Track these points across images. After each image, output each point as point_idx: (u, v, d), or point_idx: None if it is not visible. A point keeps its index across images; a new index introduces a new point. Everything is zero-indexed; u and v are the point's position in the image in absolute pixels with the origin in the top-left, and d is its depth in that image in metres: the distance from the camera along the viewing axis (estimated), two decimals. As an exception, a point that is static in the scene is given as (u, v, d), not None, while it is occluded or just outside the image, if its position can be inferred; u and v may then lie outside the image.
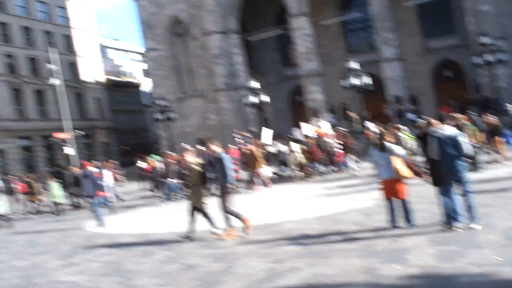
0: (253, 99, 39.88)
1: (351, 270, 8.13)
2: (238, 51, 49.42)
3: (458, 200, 9.84)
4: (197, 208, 12.31)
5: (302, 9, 44.70)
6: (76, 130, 47.83)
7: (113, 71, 78.63)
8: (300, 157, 23.78)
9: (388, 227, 10.70)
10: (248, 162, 23.04)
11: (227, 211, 11.99)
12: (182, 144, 35.48)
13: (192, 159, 13.03)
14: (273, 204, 17.43)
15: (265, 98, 40.40)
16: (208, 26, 48.26)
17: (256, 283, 8.24)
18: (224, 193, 11.92)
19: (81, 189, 19.32)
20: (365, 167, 22.59)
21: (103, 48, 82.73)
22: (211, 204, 12.55)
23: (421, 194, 12.91)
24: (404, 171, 10.47)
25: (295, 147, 23.93)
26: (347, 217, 12.76)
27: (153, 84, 53.08)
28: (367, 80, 35.90)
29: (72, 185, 25.15)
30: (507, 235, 8.90)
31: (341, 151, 24.04)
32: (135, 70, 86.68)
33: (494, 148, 20.14)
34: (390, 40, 42.19)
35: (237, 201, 13.10)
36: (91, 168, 19.04)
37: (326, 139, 25.36)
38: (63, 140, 44.05)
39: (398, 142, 16.80)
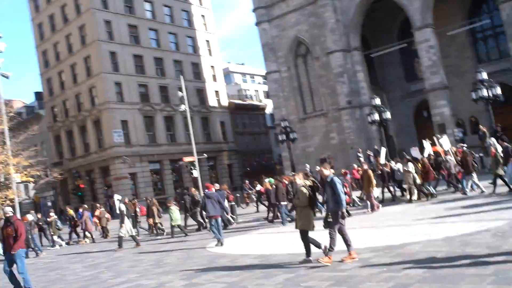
0: (376, 116, 39.77)
1: (482, 298, 7.37)
2: (360, 68, 49.44)
3: None
4: (300, 230, 12.11)
5: (427, 21, 43.84)
6: (201, 153, 50.73)
7: (237, 94, 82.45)
8: (416, 177, 22.98)
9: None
10: (362, 182, 22.71)
11: (340, 235, 11.60)
12: (306, 164, 36.43)
13: (300, 181, 12.93)
14: (392, 225, 16.84)
15: (388, 115, 40.14)
16: (330, 45, 48.68)
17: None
18: (334, 218, 11.57)
19: (201, 210, 20.64)
20: (488, 186, 21.34)
21: (228, 73, 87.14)
22: (320, 227, 12.17)
23: None
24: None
25: (411, 166, 23.17)
26: (476, 239, 11.88)
27: (275, 106, 54.67)
28: (498, 91, 34.47)
29: (192, 207, 26.00)
30: None
31: (461, 169, 22.96)
32: (258, 93, 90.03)
33: None
34: (524, 46, 40.19)
35: (351, 224, 12.83)
36: (213, 190, 19.70)
37: (445, 157, 24.48)
38: (190, 163, 46.67)
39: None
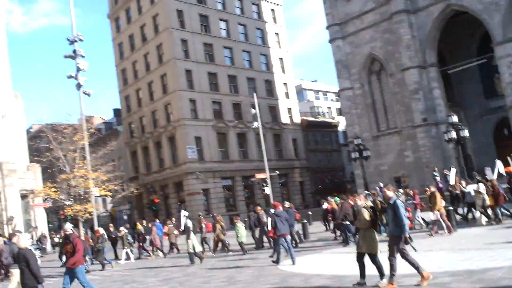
0: (453, 134, 39.42)
1: None
2: (436, 85, 48.81)
3: None
4: (367, 254, 11.95)
5: (508, 35, 43.01)
6: (273, 170, 51.75)
7: (309, 111, 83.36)
8: (486, 198, 22.05)
9: None
10: (430, 203, 21.81)
11: (404, 260, 11.29)
12: (380, 183, 36.67)
13: (361, 202, 12.90)
14: (470, 248, 16.16)
15: (466, 133, 39.70)
16: (405, 62, 48.33)
17: None
18: (395, 242, 11.30)
19: (262, 229, 20.97)
20: None
21: (301, 90, 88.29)
22: (383, 250, 11.95)
23: None
24: None
25: (482, 188, 22.26)
26: None
27: (348, 123, 54.91)
28: None
29: (257, 225, 26.15)
30: None
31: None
32: (331, 110, 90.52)
33: None
34: None
35: (428, 246, 12.45)
36: (281, 209, 19.83)
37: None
38: (262, 180, 47.68)
39: None
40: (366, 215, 11.98)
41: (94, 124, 55.77)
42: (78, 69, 30.76)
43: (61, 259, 26.98)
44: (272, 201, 39.48)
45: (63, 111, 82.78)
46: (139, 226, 32.08)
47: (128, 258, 28.05)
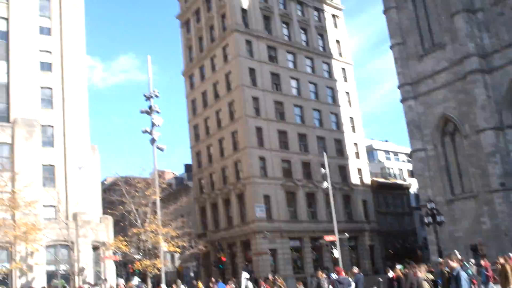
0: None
1: None
2: (515, 148, 48.18)
3: None
4: None
5: None
6: (342, 232, 51.42)
7: (380, 172, 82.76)
8: None
9: None
10: (500, 277, 20.86)
11: None
12: (455, 250, 35.89)
13: (422, 275, 13.01)
14: None
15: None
16: (480, 123, 47.43)
17: None
18: None
19: None
20: None
21: (371, 150, 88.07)
22: None
23: None
24: None
25: None
26: None
27: (420, 185, 54.07)
28: None
29: None
30: None
31: None
32: (402, 171, 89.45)
33: None
34: None
35: None
36: (344, 275, 19.73)
37: None
38: (331, 243, 47.52)
39: None
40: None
41: (165, 179, 57.64)
42: (153, 125, 32.12)
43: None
44: (340, 265, 39.28)
45: (136, 165, 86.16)
46: (200, 285, 32.50)
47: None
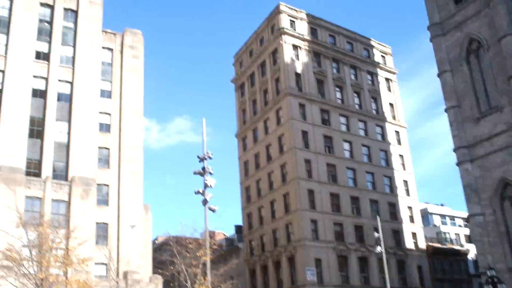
0: None
1: None
2: None
3: None
4: None
5: None
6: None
7: (435, 237, 79.35)
8: None
9: None
10: None
11: None
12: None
13: None
14: None
15: None
16: None
17: None
18: None
19: None
20: None
21: (426, 213, 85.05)
22: None
23: None
24: None
25: None
26: None
27: (479, 252, 51.27)
28: None
29: None
30: None
31: None
32: (459, 236, 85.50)
33: None
34: None
35: None
36: None
37: None
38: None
39: None
40: None
41: (216, 239, 56.91)
42: (206, 186, 31.88)
43: None
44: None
45: (188, 225, 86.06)
46: None
47: None
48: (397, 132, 72.97)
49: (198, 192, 32.67)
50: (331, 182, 62.41)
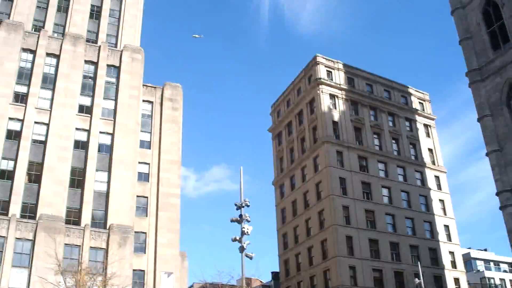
0: None
1: None
2: None
3: None
4: None
5: None
6: None
7: (479, 283, 75.56)
8: None
9: None
10: None
11: None
12: None
13: None
14: None
15: None
16: None
17: None
18: None
19: None
20: None
21: (469, 259, 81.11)
22: None
23: None
24: None
25: None
26: None
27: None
28: None
29: None
30: None
31: None
32: (505, 282, 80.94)
33: None
34: None
35: None
36: None
37: None
38: None
39: None
40: None
41: (253, 286, 55.90)
42: (243, 233, 31.35)
43: None
44: None
45: (224, 272, 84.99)
46: None
47: None
48: (437, 177, 70.89)
49: (235, 240, 32.15)
50: (370, 228, 60.68)
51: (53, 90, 48.20)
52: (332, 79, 68.67)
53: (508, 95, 53.47)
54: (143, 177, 49.61)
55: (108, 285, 40.02)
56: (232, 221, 31.97)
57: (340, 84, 68.64)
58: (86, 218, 44.07)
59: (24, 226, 41.45)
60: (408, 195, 66.35)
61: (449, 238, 66.65)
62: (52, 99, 47.83)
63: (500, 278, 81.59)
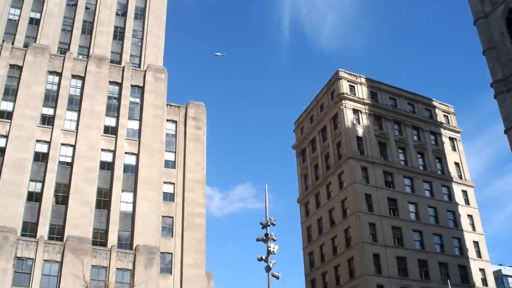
0: None
1: None
2: None
3: None
4: None
5: None
6: None
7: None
8: None
9: None
10: None
11: None
12: None
13: None
14: None
15: None
16: None
17: None
18: None
19: None
20: None
21: (500, 276, 78.99)
22: None
23: None
24: None
25: None
26: None
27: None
28: None
29: None
30: None
31: None
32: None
33: None
34: None
35: None
36: None
37: None
38: None
39: None
40: None
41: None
42: (269, 252, 30.95)
43: None
44: None
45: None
46: None
47: None
48: (464, 192, 69.57)
49: (261, 259, 31.73)
50: (397, 245, 59.66)
51: (79, 111, 48.69)
52: (355, 94, 68.17)
53: (536, 106, 52.48)
54: (168, 197, 49.61)
55: (135, 307, 39.88)
56: (258, 240, 31.58)
57: (363, 99, 68.09)
58: (112, 239, 44.11)
59: (52, 247, 41.68)
60: (435, 211, 65.20)
61: (479, 254, 65.12)
62: (78, 121, 48.28)
63: (533, 296, 79.64)
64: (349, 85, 68.77)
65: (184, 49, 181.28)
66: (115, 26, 55.54)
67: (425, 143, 70.11)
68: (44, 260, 40.99)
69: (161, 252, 45.48)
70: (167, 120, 53.31)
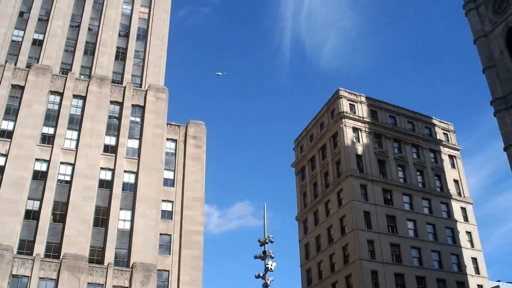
0: None
1: None
2: None
3: None
4: None
5: None
6: None
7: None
8: None
9: None
10: None
11: None
12: None
13: None
14: None
15: None
16: None
17: None
18: None
19: None
20: None
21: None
22: None
23: None
24: None
25: None
26: None
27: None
28: None
29: None
30: None
31: None
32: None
33: None
34: None
35: None
36: None
37: None
38: None
39: None
40: None
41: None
42: (266, 269, 30.42)
43: None
44: None
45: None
46: None
47: None
48: (463, 209, 68.46)
49: (258, 276, 31.19)
50: (395, 262, 58.56)
51: (79, 130, 48.38)
52: (355, 113, 67.54)
53: (535, 124, 51.65)
54: (167, 215, 49.05)
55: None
56: (255, 257, 31.06)
57: (363, 117, 67.42)
58: (109, 256, 43.48)
59: (48, 265, 41.13)
60: (434, 228, 64.13)
61: (477, 271, 63.84)
62: (78, 140, 47.94)
63: (531, 314, 77.91)
64: (349, 103, 68.20)
65: (184, 68, 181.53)
66: (117, 46, 55.51)
67: (425, 161, 69.21)
68: (40, 277, 40.39)
69: (158, 270, 44.79)
70: (167, 139, 52.90)
